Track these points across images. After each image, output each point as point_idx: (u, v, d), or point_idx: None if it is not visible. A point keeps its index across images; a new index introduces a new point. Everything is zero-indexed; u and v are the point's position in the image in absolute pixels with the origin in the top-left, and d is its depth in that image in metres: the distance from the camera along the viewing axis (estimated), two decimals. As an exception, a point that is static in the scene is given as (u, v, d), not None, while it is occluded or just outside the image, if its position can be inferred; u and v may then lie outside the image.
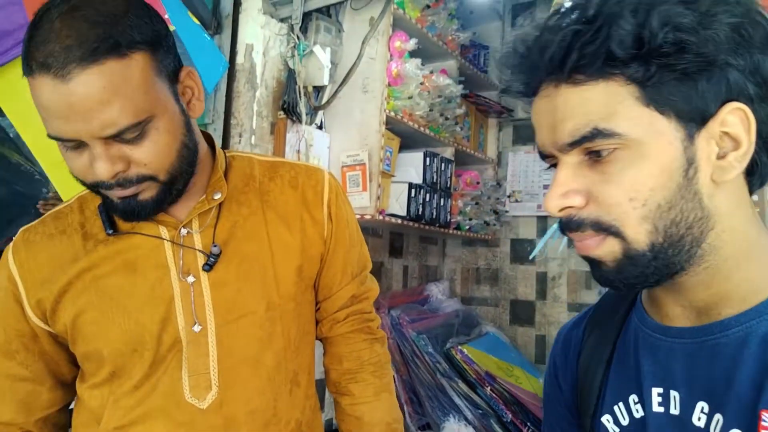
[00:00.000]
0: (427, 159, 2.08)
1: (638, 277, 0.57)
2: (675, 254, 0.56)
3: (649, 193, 0.54)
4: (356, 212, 1.31)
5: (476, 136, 2.60)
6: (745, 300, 0.56)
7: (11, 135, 1.46)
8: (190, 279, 0.88)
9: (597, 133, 0.54)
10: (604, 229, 0.56)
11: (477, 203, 2.45)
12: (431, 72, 2.04)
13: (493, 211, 2.54)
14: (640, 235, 0.55)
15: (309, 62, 1.76)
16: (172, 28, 1.20)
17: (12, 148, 1.48)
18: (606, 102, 0.54)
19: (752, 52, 0.53)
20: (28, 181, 1.50)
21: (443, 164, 2.19)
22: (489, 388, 1.88)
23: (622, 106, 0.53)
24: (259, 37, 1.71)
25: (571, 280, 2.51)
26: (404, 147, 2.04)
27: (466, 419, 1.84)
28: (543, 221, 2.60)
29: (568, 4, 0.57)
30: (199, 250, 0.89)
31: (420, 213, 2.02)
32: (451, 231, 2.28)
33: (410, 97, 1.91)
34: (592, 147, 0.55)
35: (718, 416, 0.56)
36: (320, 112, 1.87)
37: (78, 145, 0.76)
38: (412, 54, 1.95)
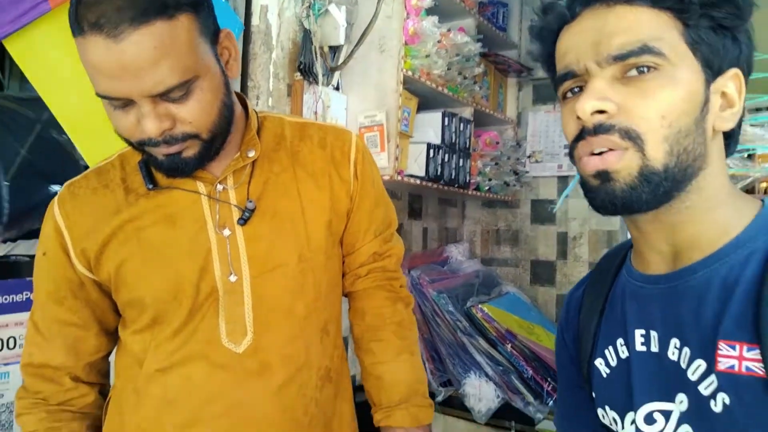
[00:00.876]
0: (446, 119, 2.06)
1: (641, 196, 0.61)
2: (678, 180, 0.61)
3: (677, 114, 0.60)
4: (374, 170, 1.31)
5: (495, 95, 2.56)
6: (710, 244, 0.63)
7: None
8: (226, 232, 0.92)
9: (646, 50, 0.59)
10: (632, 138, 0.60)
11: (497, 164, 2.43)
12: (449, 30, 2.01)
13: (513, 171, 2.51)
14: (659, 153, 0.60)
15: (324, 22, 1.74)
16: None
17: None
18: (656, 26, 0.60)
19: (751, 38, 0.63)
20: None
21: (462, 124, 2.16)
22: (510, 345, 1.90)
23: (668, 35, 0.60)
24: (274, -3, 1.69)
25: (592, 240, 2.50)
26: (422, 107, 2.01)
27: (486, 375, 1.86)
28: (563, 181, 2.57)
29: None
30: (235, 205, 0.93)
31: (439, 173, 2.01)
32: (470, 192, 2.27)
33: (427, 56, 1.88)
34: (637, 62, 0.60)
35: (686, 349, 0.63)
36: (337, 73, 1.86)
37: (125, 104, 0.79)
38: (429, 11, 1.91)
